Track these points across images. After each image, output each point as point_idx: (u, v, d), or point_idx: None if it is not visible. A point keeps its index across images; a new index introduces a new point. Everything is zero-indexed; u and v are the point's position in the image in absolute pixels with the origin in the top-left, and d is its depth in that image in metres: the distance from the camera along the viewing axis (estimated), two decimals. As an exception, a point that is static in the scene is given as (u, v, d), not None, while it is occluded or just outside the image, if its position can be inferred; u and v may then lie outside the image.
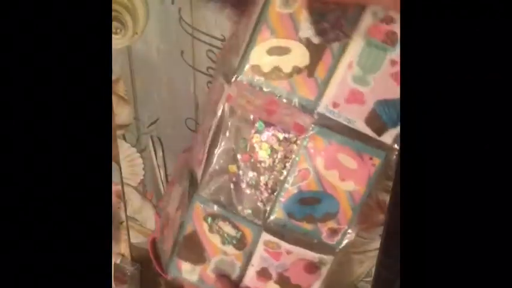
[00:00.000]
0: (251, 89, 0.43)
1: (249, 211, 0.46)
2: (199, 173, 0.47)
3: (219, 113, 0.44)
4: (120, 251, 0.69)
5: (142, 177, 0.70)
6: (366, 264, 0.47)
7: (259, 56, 0.42)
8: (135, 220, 0.74)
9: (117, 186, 0.69)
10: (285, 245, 0.46)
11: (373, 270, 0.48)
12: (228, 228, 0.47)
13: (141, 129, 0.65)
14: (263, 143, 0.44)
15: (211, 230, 0.48)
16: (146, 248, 0.54)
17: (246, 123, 0.44)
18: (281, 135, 0.43)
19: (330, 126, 0.42)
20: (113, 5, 0.41)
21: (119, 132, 0.52)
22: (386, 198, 0.45)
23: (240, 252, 0.48)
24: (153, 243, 0.55)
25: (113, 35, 0.43)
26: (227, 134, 0.44)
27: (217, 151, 0.45)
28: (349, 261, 0.50)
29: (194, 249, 0.49)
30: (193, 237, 0.49)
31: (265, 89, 0.42)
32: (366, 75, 0.41)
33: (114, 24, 0.43)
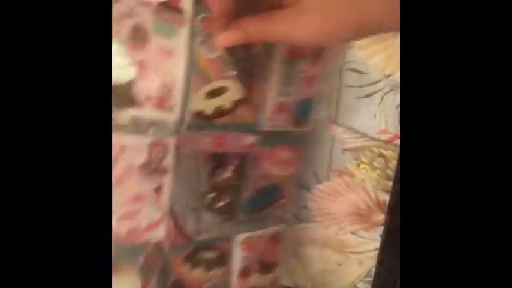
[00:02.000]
0: (198, 131, 0.46)
1: (219, 229, 0.52)
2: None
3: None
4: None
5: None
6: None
7: (200, 102, 0.44)
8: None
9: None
10: (256, 233, 0.55)
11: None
12: (208, 254, 0.52)
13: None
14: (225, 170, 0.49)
15: (194, 266, 0.51)
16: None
17: (199, 163, 0.48)
18: (236, 160, 0.49)
19: (270, 136, 0.50)
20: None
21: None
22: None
23: (225, 267, 0.53)
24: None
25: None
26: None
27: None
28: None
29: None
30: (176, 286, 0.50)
31: (212, 128, 0.46)
32: (288, 88, 0.48)
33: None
